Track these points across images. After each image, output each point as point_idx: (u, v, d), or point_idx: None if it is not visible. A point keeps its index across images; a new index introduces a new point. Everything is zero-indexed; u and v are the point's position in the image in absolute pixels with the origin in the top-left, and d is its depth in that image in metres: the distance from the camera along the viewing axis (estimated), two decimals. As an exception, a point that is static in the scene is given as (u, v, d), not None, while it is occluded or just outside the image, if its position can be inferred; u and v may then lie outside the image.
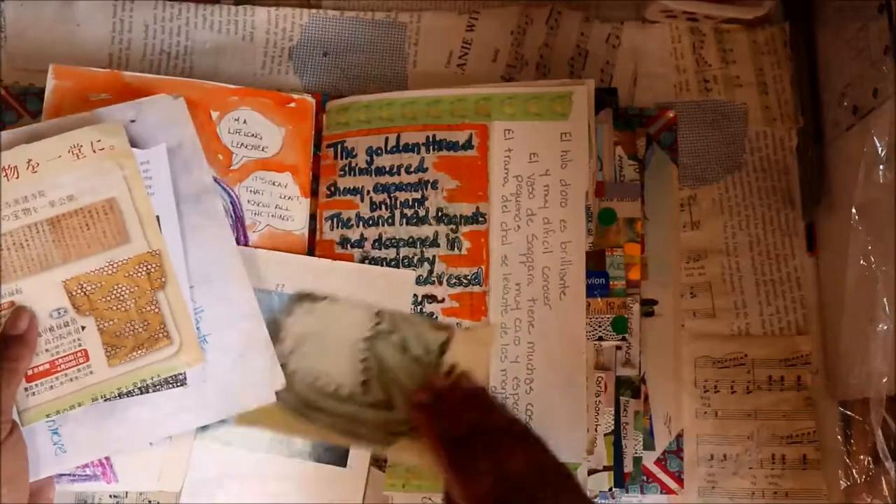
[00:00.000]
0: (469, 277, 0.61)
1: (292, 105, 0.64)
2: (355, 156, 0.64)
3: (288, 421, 0.58)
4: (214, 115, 0.63)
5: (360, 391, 0.59)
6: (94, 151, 0.56)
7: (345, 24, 0.69)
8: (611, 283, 0.61)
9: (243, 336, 0.58)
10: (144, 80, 0.62)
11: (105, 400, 0.56)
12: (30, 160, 0.55)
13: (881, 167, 0.56)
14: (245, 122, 0.63)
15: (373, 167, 0.63)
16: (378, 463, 0.61)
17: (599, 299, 0.60)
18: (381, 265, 0.62)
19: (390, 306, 0.60)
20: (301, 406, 0.58)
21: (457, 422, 0.51)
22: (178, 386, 0.57)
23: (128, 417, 0.57)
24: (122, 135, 0.57)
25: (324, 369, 0.59)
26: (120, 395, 0.57)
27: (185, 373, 0.57)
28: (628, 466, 0.60)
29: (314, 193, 0.64)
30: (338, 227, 0.63)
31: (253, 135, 0.64)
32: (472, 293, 0.61)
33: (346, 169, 0.64)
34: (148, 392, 0.57)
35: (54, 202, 0.56)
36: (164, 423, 0.57)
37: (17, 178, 0.55)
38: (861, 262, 0.58)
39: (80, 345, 0.56)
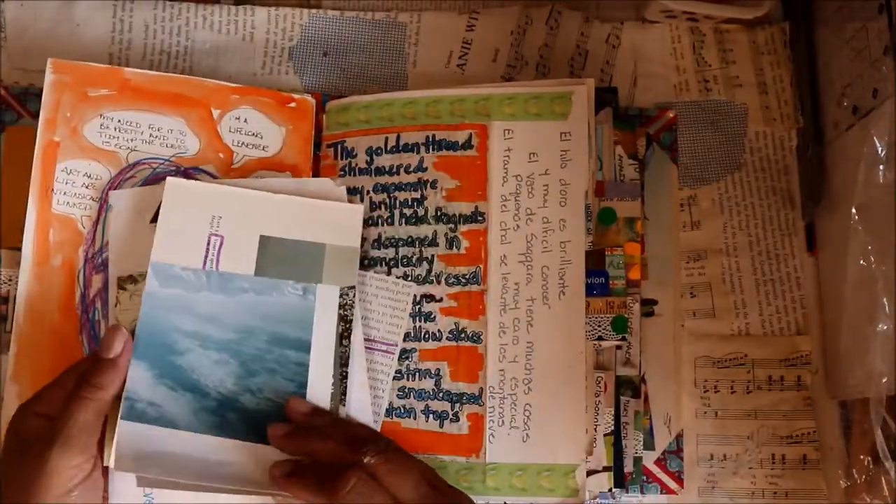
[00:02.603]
0: (468, 277, 0.61)
1: (292, 105, 0.65)
2: (355, 156, 0.64)
3: None
4: (215, 113, 0.63)
5: None
6: None
7: (345, 24, 0.69)
8: (610, 282, 0.61)
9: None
10: (144, 76, 0.63)
11: None
12: None
13: (881, 167, 0.56)
14: (246, 121, 0.64)
15: (372, 167, 0.63)
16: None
17: (599, 299, 0.60)
18: (381, 265, 0.62)
19: (340, 244, 0.60)
20: None
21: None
22: None
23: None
24: None
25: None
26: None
27: None
28: (628, 466, 0.60)
29: (314, 193, 0.65)
30: (337, 227, 0.63)
31: (254, 134, 0.64)
32: (470, 292, 0.61)
33: (346, 169, 0.64)
34: None
35: None
36: None
37: None
38: (861, 262, 0.58)
39: None
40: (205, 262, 0.59)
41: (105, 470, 0.54)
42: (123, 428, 0.54)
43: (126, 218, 0.60)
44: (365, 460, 0.50)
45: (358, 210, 0.61)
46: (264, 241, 0.60)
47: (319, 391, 0.58)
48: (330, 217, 0.61)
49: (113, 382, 0.51)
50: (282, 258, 0.60)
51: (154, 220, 0.60)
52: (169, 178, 0.60)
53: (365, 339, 0.60)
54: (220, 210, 0.60)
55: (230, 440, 0.56)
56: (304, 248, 0.60)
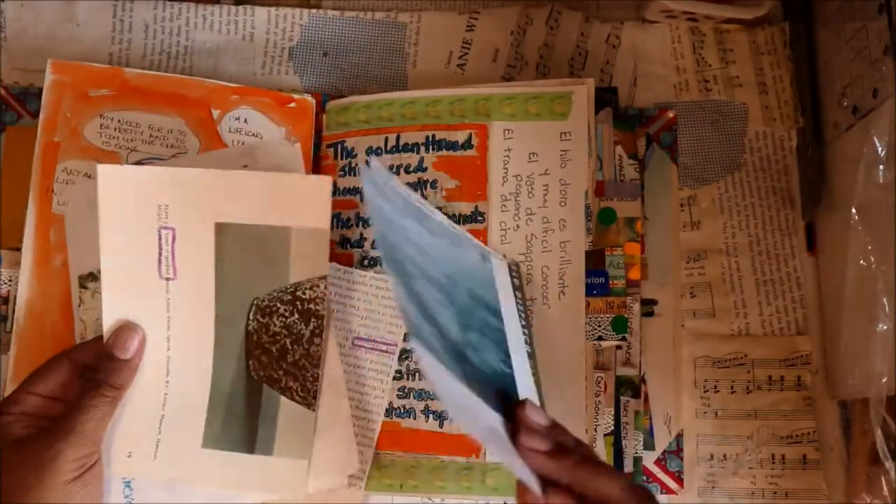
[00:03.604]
0: (468, 277, 0.61)
1: (292, 105, 0.65)
2: (355, 156, 0.64)
3: None
4: (215, 113, 0.63)
5: None
6: None
7: (345, 24, 0.69)
8: (610, 282, 0.61)
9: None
10: (145, 76, 0.63)
11: None
12: None
13: (881, 167, 0.56)
14: (246, 121, 0.64)
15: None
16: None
17: (599, 299, 0.60)
18: (380, 265, 0.62)
19: (307, 225, 0.54)
20: None
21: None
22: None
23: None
24: None
25: None
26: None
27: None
28: (628, 466, 0.60)
29: (314, 193, 0.65)
30: (337, 227, 0.63)
31: (254, 134, 0.64)
32: (471, 292, 0.60)
33: (346, 169, 0.64)
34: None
35: None
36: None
37: None
38: (861, 262, 0.58)
39: None
40: (159, 263, 0.54)
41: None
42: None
43: (80, 213, 0.59)
44: None
45: (325, 182, 0.56)
46: (221, 230, 0.54)
47: (523, 378, 0.49)
48: (294, 194, 0.54)
49: (129, 381, 0.52)
50: (243, 248, 0.54)
51: None
52: (99, 166, 0.53)
53: (365, 339, 0.60)
54: (166, 198, 0.54)
55: (475, 396, 0.44)
56: (266, 234, 0.54)
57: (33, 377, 0.52)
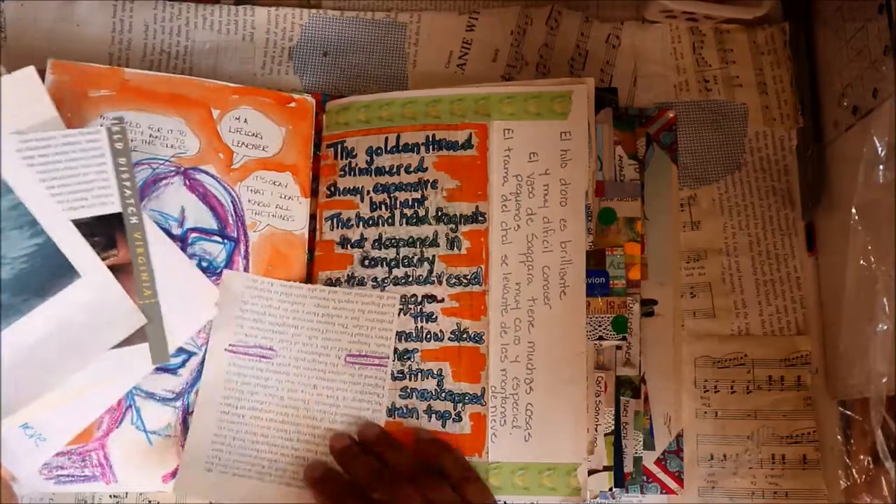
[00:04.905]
0: (469, 277, 0.61)
1: (292, 105, 0.64)
2: (355, 156, 0.64)
3: None
4: (215, 113, 0.63)
5: None
6: None
7: (345, 24, 0.69)
8: (611, 282, 0.61)
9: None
10: (144, 77, 0.62)
11: None
12: None
13: (881, 167, 0.56)
14: (246, 121, 0.64)
15: (373, 167, 0.63)
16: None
17: (599, 299, 0.60)
18: (381, 265, 0.62)
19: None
20: None
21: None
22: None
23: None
24: None
25: None
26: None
27: None
28: (628, 466, 0.60)
29: (314, 193, 0.65)
30: (338, 228, 0.63)
31: (254, 134, 0.64)
32: (471, 293, 0.60)
33: (346, 169, 0.64)
34: None
35: None
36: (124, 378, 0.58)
37: None
38: (861, 262, 0.58)
39: None
40: None
41: None
42: None
43: None
44: None
45: (30, 72, 0.58)
46: None
47: (48, 218, 0.55)
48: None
49: None
50: None
51: None
52: None
53: (357, 355, 0.61)
54: None
55: (26, 317, 0.55)
56: None
57: None
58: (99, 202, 0.57)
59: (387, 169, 0.63)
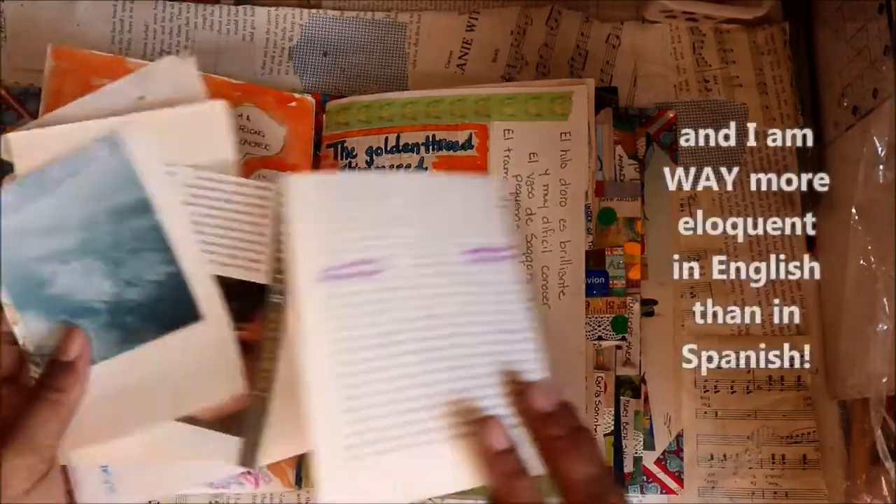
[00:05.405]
0: (468, 277, 0.61)
1: (293, 104, 0.64)
2: (355, 156, 0.64)
3: None
4: (218, 110, 0.63)
5: None
6: None
7: (345, 24, 0.69)
8: (610, 282, 0.61)
9: None
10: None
11: None
12: None
13: (881, 167, 0.56)
14: (248, 118, 0.63)
15: (373, 167, 0.63)
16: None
17: (599, 299, 0.60)
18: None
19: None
20: None
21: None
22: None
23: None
24: None
25: None
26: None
27: None
28: (628, 466, 0.60)
29: (314, 193, 0.64)
30: (338, 227, 0.63)
31: (256, 132, 0.64)
32: (471, 293, 0.60)
33: (346, 169, 0.64)
34: None
35: None
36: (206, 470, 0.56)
37: None
38: (861, 262, 0.58)
39: None
40: None
41: (64, 468, 0.52)
42: None
43: None
44: None
45: (220, 107, 0.55)
46: None
47: (185, 251, 0.51)
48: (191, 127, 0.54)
49: (72, 386, 0.49)
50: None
51: None
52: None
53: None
54: None
55: (139, 348, 0.50)
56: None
57: None
58: (245, 264, 0.53)
59: (387, 169, 0.63)
